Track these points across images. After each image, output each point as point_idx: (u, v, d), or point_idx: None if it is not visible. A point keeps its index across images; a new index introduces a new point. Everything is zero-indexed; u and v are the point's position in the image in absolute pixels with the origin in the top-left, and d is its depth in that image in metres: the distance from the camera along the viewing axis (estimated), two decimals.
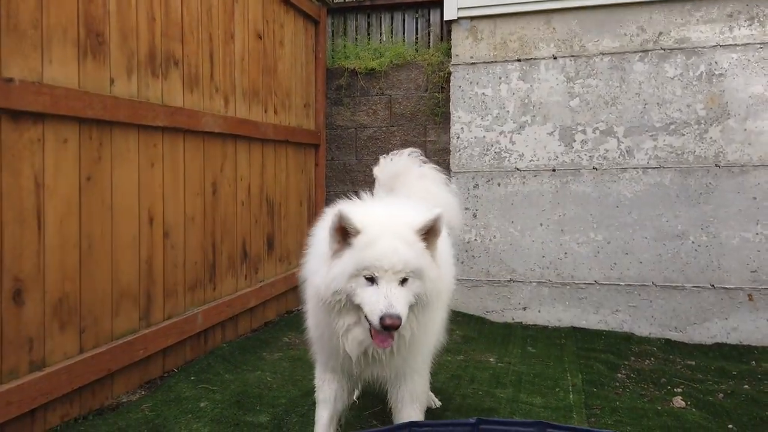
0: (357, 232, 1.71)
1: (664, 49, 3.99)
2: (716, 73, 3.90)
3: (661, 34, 4.00)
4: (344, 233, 1.73)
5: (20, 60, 2.16)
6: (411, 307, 1.72)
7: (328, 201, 5.08)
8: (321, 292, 1.76)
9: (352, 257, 1.69)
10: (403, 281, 1.69)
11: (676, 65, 3.97)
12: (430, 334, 1.99)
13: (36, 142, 2.23)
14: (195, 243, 3.25)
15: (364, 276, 1.68)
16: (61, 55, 2.34)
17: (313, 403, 2.72)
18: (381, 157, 2.74)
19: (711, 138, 3.91)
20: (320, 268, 1.80)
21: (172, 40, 3.02)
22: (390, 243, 1.68)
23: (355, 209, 1.79)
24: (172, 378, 2.99)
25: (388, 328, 1.61)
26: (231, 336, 3.66)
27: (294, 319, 4.29)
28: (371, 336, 1.71)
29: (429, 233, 1.78)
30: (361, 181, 4.99)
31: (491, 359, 3.47)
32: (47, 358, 2.30)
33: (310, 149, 4.82)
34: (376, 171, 2.72)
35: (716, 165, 3.89)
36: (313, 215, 4.89)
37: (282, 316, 4.38)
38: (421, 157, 2.70)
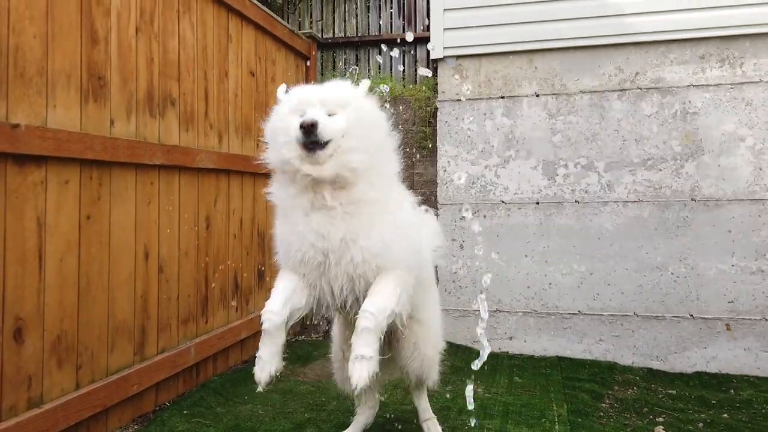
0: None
1: (641, 89, 4.18)
2: (690, 111, 4.09)
3: (637, 74, 4.19)
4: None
5: (26, 106, 2.24)
6: (348, 137, 1.92)
7: None
8: (276, 164, 2.05)
9: (288, 101, 2.02)
10: (331, 116, 1.93)
11: (653, 103, 4.15)
12: (391, 201, 2.06)
13: (39, 185, 2.31)
14: (188, 277, 3.31)
15: (299, 116, 1.92)
16: (64, 99, 2.42)
17: None
18: None
19: (687, 173, 4.08)
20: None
21: (169, 79, 3.12)
22: (316, 90, 2.00)
23: None
24: (165, 412, 3.03)
25: (305, 129, 1.83)
26: (222, 368, 3.70)
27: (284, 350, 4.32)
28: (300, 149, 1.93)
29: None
30: None
31: (479, 389, 3.54)
32: (45, 395, 2.34)
33: None
34: None
35: (692, 199, 4.05)
36: None
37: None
38: None
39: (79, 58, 2.50)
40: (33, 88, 2.27)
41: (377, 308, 1.91)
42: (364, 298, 1.96)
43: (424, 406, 2.73)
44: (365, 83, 2.09)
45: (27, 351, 2.25)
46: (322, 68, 5.52)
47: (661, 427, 3.00)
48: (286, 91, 2.12)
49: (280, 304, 2.00)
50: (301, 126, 1.84)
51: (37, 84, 2.29)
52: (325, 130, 1.87)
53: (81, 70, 2.51)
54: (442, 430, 2.92)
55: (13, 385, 2.19)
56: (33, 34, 2.27)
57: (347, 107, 1.95)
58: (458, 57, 4.54)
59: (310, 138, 1.85)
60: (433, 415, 2.74)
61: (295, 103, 1.98)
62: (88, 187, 2.56)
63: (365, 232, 1.92)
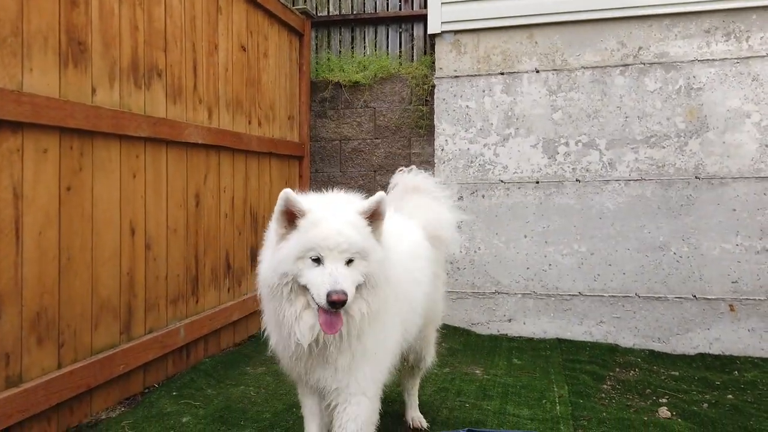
0: (303, 214, 1.73)
1: (644, 64, 4.06)
2: (694, 87, 3.98)
3: (640, 48, 4.07)
4: (290, 217, 1.75)
5: (0, 68, 2.11)
6: (359, 288, 1.74)
7: None
8: (268, 278, 1.76)
9: (298, 238, 1.70)
10: (349, 262, 1.71)
11: (656, 79, 4.04)
12: (380, 340, 1.92)
13: (15, 152, 2.18)
14: (177, 255, 3.20)
15: (311, 257, 1.69)
16: (41, 62, 2.30)
17: (299, 418, 2.69)
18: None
19: (691, 150, 3.97)
20: (266, 257, 1.81)
21: (155, 49, 2.99)
22: (335, 223, 1.70)
23: (301, 195, 1.82)
24: (154, 394, 2.92)
25: (334, 304, 1.61)
26: (213, 350, 3.59)
27: None
28: (320, 322, 1.70)
29: (373, 216, 1.80)
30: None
31: (477, 371, 3.45)
32: (24, 373, 2.23)
33: (294, 161, 4.79)
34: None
35: (696, 177, 3.95)
36: None
37: (265, 329, 4.31)
38: (417, 169, 2.70)
39: (57, 19, 2.36)
40: (7, 49, 2.14)
41: None
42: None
43: (413, 401, 2.70)
44: (380, 198, 1.80)
45: (4, 327, 2.14)
46: (316, 47, 5.38)
47: (665, 408, 2.92)
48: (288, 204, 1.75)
49: None
50: (332, 302, 1.62)
51: (12, 45, 2.16)
52: (351, 296, 1.66)
53: (59, 33, 2.38)
54: (441, 411, 2.83)
55: None
56: None
57: (366, 257, 1.74)
58: (456, 32, 4.41)
59: (335, 308, 1.65)
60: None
61: (311, 243, 1.68)
62: (68, 156, 2.43)
63: (345, 360, 1.86)
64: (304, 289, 1.71)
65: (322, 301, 1.63)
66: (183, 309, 3.25)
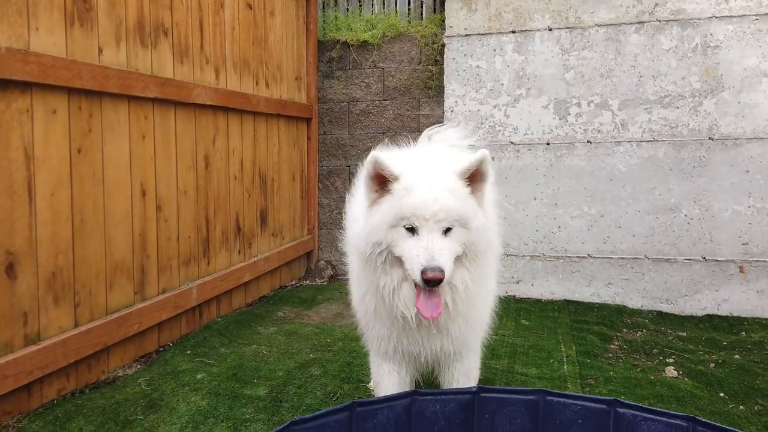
0: (395, 178, 1.58)
1: (660, 21, 3.95)
2: (711, 45, 3.88)
3: (656, 5, 3.96)
4: (382, 181, 1.60)
5: (6, 27, 2.09)
6: (460, 259, 1.60)
7: (321, 176, 5.05)
8: (360, 245, 1.63)
9: (391, 206, 1.56)
10: (447, 231, 1.56)
11: (672, 37, 3.94)
12: (483, 301, 1.85)
13: (24, 113, 2.18)
14: (188, 217, 3.22)
15: (404, 226, 1.55)
16: (47, 21, 2.26)
17: (311, 376, 2.75)
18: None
19: (705, 111, 3.90)
20: (357, 224, 1.68)
21: (161, 7, 2.94)
22: (430, 190, 1.54)
23: (392, 154, 1.66)
24: (168, 352, 2.99)
25: (429, 282, 1.48)
26: (226, 311, 3.65)
27: (288, 294, 4.28)
28: (416, 305, 1.57)
29: (474, 178, 1.63)
30: (354, 156, 4.95)
31: (490, 330, 3.49)
32: (42, 332, 2.28)
33: (302, 123, 4.76)
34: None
35: (710, 138, 3.89)
36: (305, 190, 4.86)
37: (276, 290, 4.38)
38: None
39: None
40: (12, 7, 2.11)
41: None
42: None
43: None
44: (483, 157, 1.63)
45: (20, 286, 2.18)
46: (323, 4, 5.27)
47: (672, 367, 2.95)
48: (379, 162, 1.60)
49: None
50: (427, 280, 1.48)
51: (17, 3, 2.13)
52: (449, 271, 1.52)
53: None
54: None
55: (7, 320, 2.12)
56: None
57: (465, 225, 1.59)
58: None
59: (431, 286, 1.51)
60: None
61: (404, 211, 1.55)
62: (77, 117, 2.42)
63: (456, 330, 1.76)
64: (400, 259, 1.58)
65: (417, 277, 1.50)
66: (195, 270, 3.29)
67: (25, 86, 2.17)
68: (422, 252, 1.50)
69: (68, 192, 2.39)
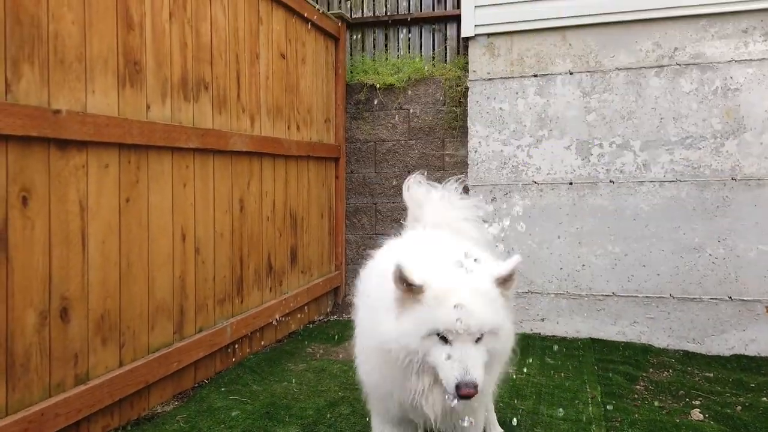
0: (421, 290, 1.55)
1: (680, 65, 4.05)
2: (732, 87, 3.95)
3: (676, 49, 4.06)
4: (410, 285, 1.57)
5: (66, 92, 2.29)
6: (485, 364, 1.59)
7: (348, 213, 5.20)
8: (392, 349, 1.59)
9: (423, 316, 1.54)
10: (478, 339, 1.55)
11: (692, 80, 4.03)
12: (496, 374, 1.83)
13: (80, 169, 2.37)
14: (224, 258, 3.38)
15: (437, 334, 1.54)
16: (102, 84, 2.47)
17: (340, 416, 2.84)
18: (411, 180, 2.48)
19: (727, 152, 3.96)
20: (384, 318, 1.63)
21: (202, 63, 3.15)
22: (465, 302, 1.52)
23: (417, 258, 1.63)
24: (204, 389, 3.11)
25: (464, 397, 1.49)
26: (257, 347, 3.78)
27: (316, 330, 4.40)
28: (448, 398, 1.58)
29: (505, 283, 1.62)
30: (379, 194, 5.10)
31: (510, 370, 3.54)
32: (90, 371, 2.43)
33: (330, 163, 4.93)
34: (406, 197, 2.49)
35: (732, 178, 3.94)
36: (333, 227, 5.01)
37: (305, 326, 4.50)
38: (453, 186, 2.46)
39: (115, 43, 2.54)
40: (72, 74, 2.32)
41: None
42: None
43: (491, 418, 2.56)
44: (517, 263, 1.63)
45: (73, 329, 2.34)
46: (351, 49, 5.49)
47: (698, 410, 2.97)
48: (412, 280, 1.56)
49: None
50: (462, 396, 1.49)
51: (77, 70, 2.34)
52: (480, 386, 1.52)
53: (117, 56, 2.55)
54: None
55: (60, 362, 2.28)
56: (71, 21, 2.31)
57: (496, 333, 1.58)
58: (489, 35, 4.46)
59: (464, 400, 1.52)
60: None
61: (437, 325, 1.54)
62: (126, 170, 2.61)
63: (469, 413, 1.76)
64: (432, 367, 1.57)
65: (452, 392, 1.50)
66: (229, 308, 3.44)
67: (82, 144, 2.36)
68: (456, 366, 1.50)
69: (117, 239, 2.57)
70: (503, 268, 1.60)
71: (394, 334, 1.58)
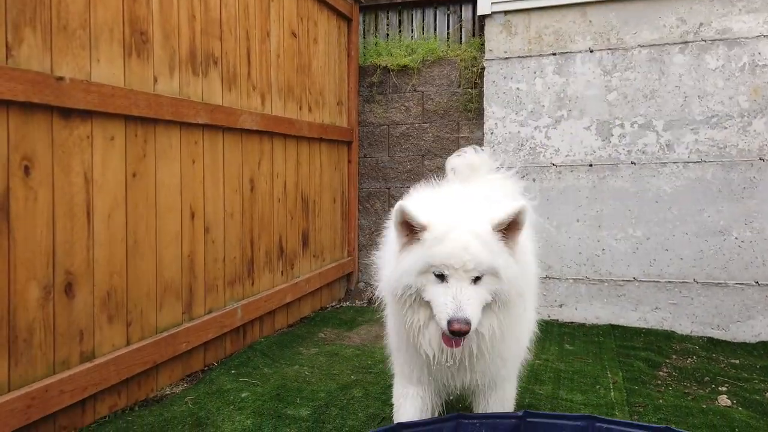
0: (423, 228, 1.60)
1: (705, 41, 3.89)
2: (760, 64, 3.79)
3: (701, 25, 3.90)
4: (411, 228, 1.62)
5: (70, 59, 2.22)
6: (489, 306, 1.60)
7: (361, 198, 5.10)
8: (391, 287, 1.67)
9: (421, 254, 1.58)
10: (477, 279, 1.56)
11: (718, 56, 3.87)
12: (517, 338, 1.84)
13: (85, 139, 2.29)
14: (234, 239, 3.30)
15: (434, 273, 1.57)
16: (107, 53, 2.39)
17: (352, 398, 2.76)
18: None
19: (755, 131, 3.80)
20: (390, 261, 1.71)
21: (211, 38, 3.06)
22: (460, 240, 1.55)
23: (421, 200, 1.68)
24: (213, 371, 3.04)
25: (455, 333, 1.50)
26: (268, 331, 3.70)
27: (328, 316, 4.32)
28: (442, 339, 1.61)
29: (510, 228, 1.62)
30: (393, 178, 4.99)
31: (529, 356, 3.43)
32: (96, 349, 2.36)
33: (343, 146, 4.84)
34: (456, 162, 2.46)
35: (760, 159, 3.78)
36: (345, 212, 4.92)
37: (317, 311, 4.42)
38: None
39: (121, 11, 2.46)
40: (76, 41, 2.24)
41: None
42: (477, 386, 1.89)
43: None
44: (520, 209, 1.63)
45: (78, 305, 2.27)
46: (364, 31, 5.38)
47: (725, 396, 2.84)
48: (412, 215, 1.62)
49: None
50: (453, 332, 1.51)
51: (80, 37, 2.26)
52: (475, 321, 1.54)
53: (123, 25, 2.47)
54: None
55: (65, 338, 2.22)
56: None
57: (496, 274, 1.59)
58: (506, 12, 4.33)
59: (456, 336, 1.54)
60: None
61: (434, 260, 1.57)
62: (133, 143, 2.54)
63: (484, 366, 1.76)
64: (428, 303, 1.61)
65: (444, 326, 1.52)
66: (240, 290, 3.36)
67: (86, 114, 2.29)
68: (450, 301, 1.52)
69: (123, 214, 2.49)
70: (502, 212, 1.60)
71: (396, 273, 1.64)
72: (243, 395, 2.75)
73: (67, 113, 2.20)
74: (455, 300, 1.51)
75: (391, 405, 2.67)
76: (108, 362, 2.37)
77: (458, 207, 1.67)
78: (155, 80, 2.66)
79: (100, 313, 2.38)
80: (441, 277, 1.57)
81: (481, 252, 1.55)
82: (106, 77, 2.38)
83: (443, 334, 1.58)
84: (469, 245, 1.55)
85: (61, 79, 2.14)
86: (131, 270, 2.54)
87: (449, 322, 1.50)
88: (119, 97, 2.40)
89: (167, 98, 2.70)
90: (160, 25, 2.69)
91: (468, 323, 1.50)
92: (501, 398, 1.89)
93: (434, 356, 1.66)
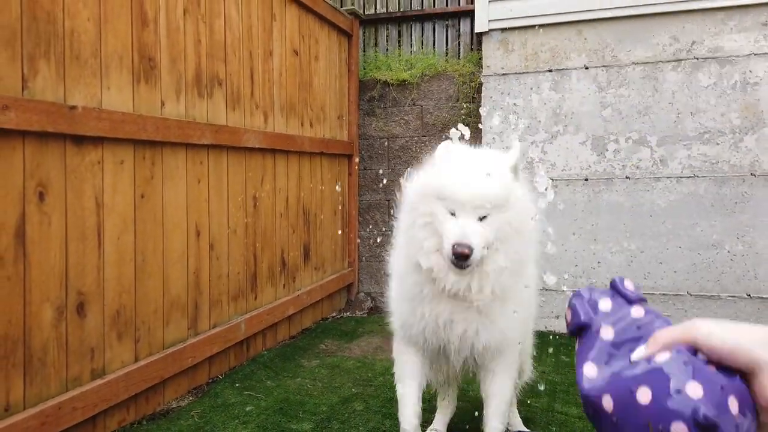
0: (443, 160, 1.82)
1: (698, 59, 3.99)
2: (751, 81, 3.89)
3: (694, 43, 4.00)
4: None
5: (82, 88, 2.31)
6: (493, 245, 1.74)
7: (361, 210, 5.19)
8: (416, 191, 1.83)
9: (436, 180, 1.76)
10: (483, 218, 1.72)
11: (710, 74, 3.96)
12: (524, 283, 1.95)
13: (96, 165, 2.38)
14: (238, 254, 3.38)
15: (447, 208, 1.73)
16: (117, 80, 2.48)
17: (354, 411, 2.84)
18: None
19: (746, 147, 3.89)
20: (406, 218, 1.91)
21: (216, 60, 3.15)
22: (469, 176, 1.72)
23: (450, 147, 1.89)
24: (218, 385, 3.13)
25: (458, 256, 1.63)
26: (271, 343, 3.79)
27: (329, 327, 4.40)
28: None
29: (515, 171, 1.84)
30: (392, 190, 5.08)
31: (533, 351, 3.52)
32: (107, 366, 2.45)
33: (343, 159, 4.93)
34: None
35: (752, 174, 3.87)
36: (346, 224, 5.01)
37: (318, 322, 4.50)
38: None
39: (130, 40, 2.55)
40: (88, 70, 2.33)
41: (502, 417, 2.08)
42: (478, 363, 2.02)
43: (514, 420, 2.58)
44: (515, 154, 1.88)
45: (89, 324, 2.35)
46: (364, 45, 5.48)
47: None
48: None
49: (413, 414, 2.06)
50: (456, 254, 1.64)
51: (92, 66, 2.35)
52: (478, 252, 1.67)
53: (132, 52, 2.56)
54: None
55: (77, 356, 2.30)
56: (86, 17, 2.32)
57: (502, 209, 1.73)
58: (503, 30, 4.42)
59: (461, 262, 1.66)
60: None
61: (444, 192, 1.73)
62: (141, 166, 2.63)
63: (487, 325, 1.88)
64: (440, 235, 1.75)
65: (448, 250, 1.66)
66: (243, 305, 3.44)
67: (98, 141, 2.37)
68: (457, 229, 1.68)
69: (132, 235, 2.58)
70: (513, 157, 1.85)
71: (422, 184, 1.83)
72: (247, 409, 2.83)
73: (80, 140, 2.29)
74: (462, 229, 1.67)
75: (392, 418, 2.77)
76: (118, 379, 2.45)
77: (475, 152, 1.89)
78: (162, 104, 2.75)
79: (110, 330, 2.47)
80: (452, 215, 1.73)
81: (489, 188, 1.71)
82: (117, 104, 2.47)
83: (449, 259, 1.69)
84: (477, 181, 1.72)
85: (74, 107, 2.22)
86: (139, 288, 2.63)
87: (453, 246, 1.64)
88: (129, 123, 2.49)
89: (174, 121, 2.79)
90: (167, 50, 2.78)
91: (470, 248, 1.64)
92: (508, 362, 2.02)
93: (430, 269, 1.79)
